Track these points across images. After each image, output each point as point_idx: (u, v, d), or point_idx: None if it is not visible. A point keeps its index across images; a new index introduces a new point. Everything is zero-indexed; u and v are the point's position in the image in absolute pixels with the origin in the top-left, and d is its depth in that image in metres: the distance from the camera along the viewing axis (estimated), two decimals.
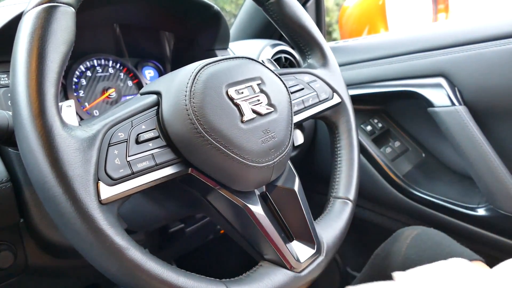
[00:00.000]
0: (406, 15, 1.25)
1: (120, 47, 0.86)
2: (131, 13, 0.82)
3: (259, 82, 0.51)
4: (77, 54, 0.75)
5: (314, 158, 1.14)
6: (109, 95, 0.82)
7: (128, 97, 0.85)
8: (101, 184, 0.38)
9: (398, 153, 1.04)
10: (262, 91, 0.51)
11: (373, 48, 1.00)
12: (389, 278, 0.68)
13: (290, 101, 0.55)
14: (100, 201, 0.37)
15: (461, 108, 0.81)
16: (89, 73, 0.80)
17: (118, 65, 0.86)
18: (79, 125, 0.40)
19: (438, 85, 0.85)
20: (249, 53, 0.98)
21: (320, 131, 1.09)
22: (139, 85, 0.88)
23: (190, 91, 0.44)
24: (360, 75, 1.00)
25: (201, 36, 0.88)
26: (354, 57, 1.02)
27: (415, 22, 1.27)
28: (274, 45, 0.99)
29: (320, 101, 0.65)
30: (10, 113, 0.45)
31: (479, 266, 0.65)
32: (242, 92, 0.48)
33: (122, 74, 0.86)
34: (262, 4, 0.65)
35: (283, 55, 1.00)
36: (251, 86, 0.50)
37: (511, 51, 0.76)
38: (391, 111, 1.07)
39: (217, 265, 1.30)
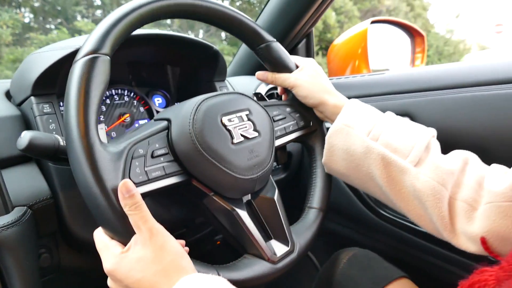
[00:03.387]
0: (386, 57, 1.39)
1: (134, 79, 0.97)
2: (143, 53, 0.92)
3: (247, 112, 0.64)
4: None
5: (301, 179, 1.24)
6: (124, 119, 0.93)
7: (141, 121, 0.96)
8: None
9: None
10: (249, 119, 0.63)
11: (353, 86, 1.10)
12: None
13: (272, 128, 0.67)
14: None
15: None
16: (108, 101, 0.90)
17: (132, 94, 0.97)
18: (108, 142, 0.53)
19: None
20: (246, 89, 1.09)
21: (307, 159, 1.19)
22: (149, 111, 0.99)
23: (193, 119, 0.57)
24: None
25: (202, 70, 0.98)
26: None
27: (394, 64, 1.40)
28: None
29: (299, 128, 0.77)
30: (57, 136, 0.58)
31: (404, 282, 0.74)
32: (233, 120, 0.61)
33: (135, 101, 0.97)
34: (253, 48, 0.76)
35: (275, 91, 1.12)
36: (241, 115, 0.62)
37: (462, 98, 0.86)
38: None
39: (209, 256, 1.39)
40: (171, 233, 0.53)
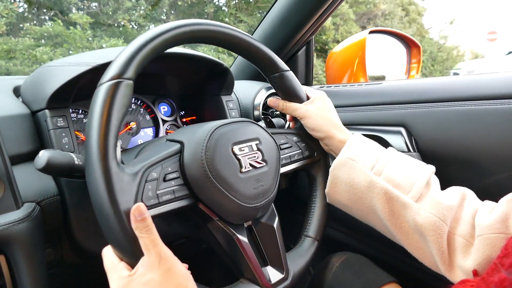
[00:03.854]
0: (382, 67, 1.42)
1: (142, 88, 0.98)
2: (152, 65, 0.95)
3: (257, 142, 0.66)
4: None
5: (296, 184, 1.27)
6: (130, 127, 0.95)
7: (146, 129, 0.98)
8: None
9: None
10: (258, 149, 0.65)
11: (350, 95, 1.12)
12: None
13: (279, 157, 0.70)
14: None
15: (415, 154, 0.93)
16: None
17: (139, 102, 0.98)
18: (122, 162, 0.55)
19: (399, 133, 0.97)
20: (247, 94, 1.12)
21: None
22: (155, 119, 1.01)
23: (206, 146, 0.59)
24: (352, 117, 1.11)
25: (209, 84, 1.01)
26: (346, 101, 1.14)
27: (391, 73, 1.44)
28: (268, 88, 1.14)
29: (304, 158, 0.79)
30: (72, 155, 0.60)
31: (393, 287, 0.77)
32: (244, 150, 0.63)
33: (141, 109, 0.99)
34: (267, 75, 0.78)
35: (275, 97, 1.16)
36: (251, 145, 0.65)
37: (456, 111, 0.88)
38: None
39: (203, 276, 1.42)
40: (170, 243, 0.54)
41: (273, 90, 1.15)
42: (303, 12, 1.12)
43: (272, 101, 0.83)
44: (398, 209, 0.66)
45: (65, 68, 0.73)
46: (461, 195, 0.65)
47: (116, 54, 0.57)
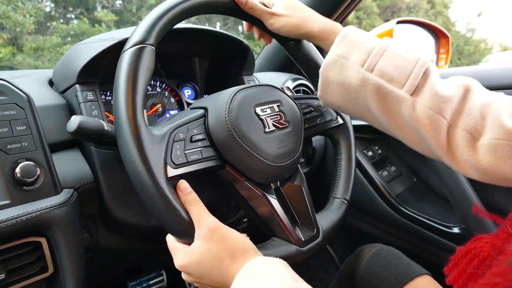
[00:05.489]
0: None
1: (163, 71, 1.00)
2: (173, 46, 0.95)
3: (279, 104, 0.67)
4: None
5: (323, 174, 1.28)
6: (156, 109, 0.97)
7: (171, 112, 1.00)
8: (168, 167, 0.55)
9: (394, 176, 1.16)
10: (280, 110, 0.66)
11: None
12: None
13: (301, 119, 0.70)
14: (167, 178, 0.54)
15: None
16: None
17: (163, 85, 1.00)
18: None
19: None
20: (274, 84, 1.13)
21: (329, 154, 1.23)
22: (179, 102, 1.02)
23: (229, 108, 0.61)
24: None
25: (231, 64, 1.02)
26: None
27: None
28: (295, 79, 1.15)
29: (325, 121, 0.80)
30: (102, 121, 0.62)
31: (426, 280, 0.76)
32: (266, 111, 0.64)
33: (166, 92, 1.01)
34: (284, 44, 0.79)
35: (302, 88, 1.15)
36: (272, 106, 0.66)
37: None
38: (390, 140, 1.19)
39: None
40: None
41: (299, 81, 1.15)
42: (329, 3, 1.12)
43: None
44: (392, 105, 0.60)
45: (92, 44, 0.76)
46: (465, 86, 0.59)
47: None
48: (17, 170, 0.58)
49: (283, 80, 1.14)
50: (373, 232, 1.20)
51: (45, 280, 0.63)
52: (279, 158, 0.64)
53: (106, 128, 0.62)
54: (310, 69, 0.81)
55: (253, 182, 0.64)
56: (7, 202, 0.57)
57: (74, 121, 0.59)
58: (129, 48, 0.56)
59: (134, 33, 0.58)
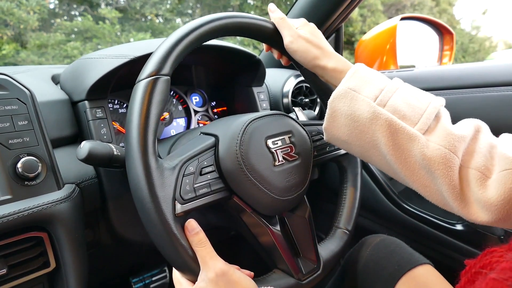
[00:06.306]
0: (413, 54, 1.40)
1: (175, 79, 0.98)
2: (187, 58, 0.93)
3: (290, 135, 0.66)
4: None
5: (325, 173, 1.28)
6: (164, 118, 0.96)
7: (178, 119, 1.00)
8: (176, 203, 0.54)
9: None
10: (291, 142, 0.66)
11: None
12: (356, 280, 0.81)
13: (312, 150, 0.70)
14: (175, 214, 0.53)
15: None
16: None
17: (172, 92, 1.00)
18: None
19: None
20: (276, 82, 1.12)
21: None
22: (187, 110, 1.02)
23: (240, 139, 0.60)
24: None
25: (241, 75, 1.02)
26: None
27: (422, 61, 1.41)
28: (297, 76, 1.14)
29: (335, 149, 0.79)
30: (112, 145, 0.62)
31: (428, 269, 0.76)
32: (277, 143, 0.64)
33: (174, 100, 1.01)
34: (300, 67, 0.75)
35: (304, 84, 1.15)
36: (284, 138, 0.65)
37: (490, 97, 0.87)
38: None
39: (232, 263, 1.45)
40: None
41: (302, 78, 1.15)
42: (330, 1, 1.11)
43: (272, 16, 0.73)
44: (403, 142, 0.59)
45: (104, 60, 0.75)
46: (475, 127, 0.59)
47: (151, 46, 0.58)
48: (19, 165, 0.58)
49: (286, 77, 1.14)
50: (376, 229, 1.20)
51: (47, 276, 0.64)
52: (286, 192, 0.63)
53: (115, 153, 0.62)
54: (322, 91, 0.78)
55: (259, 214, 0.64)
56: (9, 197, 0.57)
57: (84, 148, 0.59)
58: (144, 79, 0.55)
59: (149, 63, 0.56)
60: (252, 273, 0.62)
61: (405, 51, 1.34)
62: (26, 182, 0.59)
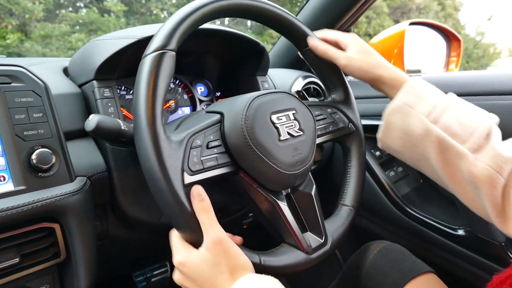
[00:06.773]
0: (420, 59, 1.40)
1: (180, 68, 1.00)
2: (191, 44, 0.94)
3: (294, 111, 0.67)
4: None
5: (329, 173, 1.28)
6: (169, 105, 0.97)
7: (183, 108, 1.01)
8: (185, 174, 0.55)
9: (400, 177, 1.16)
10: (295, 118, 0.67)
11: None
12: (358, 286, 0.82)
13: (315, 127, 0.71)
14: (184, 185, 0.55)
15: None
16: None
17: (177, 81, 1.01)
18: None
19: None
20: (284, 82, 1.13)
21: (336, 153, 1.23)
22: (192, 99, 1.03)
23: (245, 115, 0.61)
24: (375, 108, 1.13)
25: (245, 63, 1.02)
26: (370, 93, 1.16)
27: (428, 66, 1.41)
28: (305, 77, 1.15)
29: (338, 129, 0.80)
30: (119, 121, 0.63)
31: (431, 277, 0.77)
32: (281, 119, 0.65)
33: (180, 89, 1.01)
34: (300, 49, 0.80)
35: (312, 86, 1.16)
36: (288, 114, 0.66)
37: (494, 105, 0.87)
38: None
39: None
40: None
41: (310, 79, 1.16)
42: (340, 5, 1.12)
43: (312, 44, 0.77)
44: (452, 159, 0.63)
45: (112, 41, 0.76)
46: None
47: (158, 29, 0.59)
48: (33, 156, 0.59)
49: (294, 77, 1.14)
50: (378, 232, 1.20)
51: (57, 266, 0.65)
52: (292, 166, 0.64)
53: (123, 127, 0.63)
54: (324, 74, 0.82)
55: (265, 189, 0.65)
56: (23, 187, 0.58)
57: (93, 120, 0.60)
58: (150, 53, 0.56)
59: (155, 38, 0.58)
60: (240, 238, 0.64)
61: (412, 56, 1.34)
62: (40, 174, 0.60)
